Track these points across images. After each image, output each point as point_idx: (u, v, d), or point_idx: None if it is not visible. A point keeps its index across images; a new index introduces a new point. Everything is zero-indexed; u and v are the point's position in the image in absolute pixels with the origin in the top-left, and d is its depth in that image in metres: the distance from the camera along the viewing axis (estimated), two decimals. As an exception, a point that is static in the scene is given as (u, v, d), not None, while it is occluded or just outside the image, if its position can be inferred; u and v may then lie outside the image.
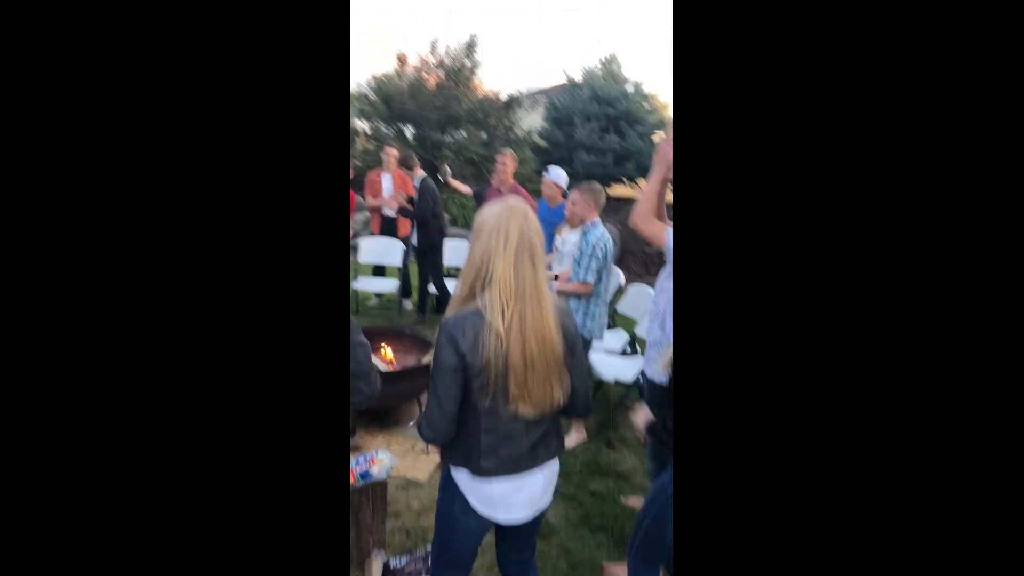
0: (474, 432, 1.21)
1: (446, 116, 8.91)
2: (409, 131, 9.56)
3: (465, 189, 4.75)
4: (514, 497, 1.26)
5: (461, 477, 1.26)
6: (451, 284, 4.41)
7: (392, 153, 4.59)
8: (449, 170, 4.65)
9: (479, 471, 1.22)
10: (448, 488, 1.30)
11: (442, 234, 4.36)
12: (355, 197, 4.12)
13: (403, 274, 4.69)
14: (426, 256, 4.34)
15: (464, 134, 9.38)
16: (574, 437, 2.91)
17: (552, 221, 3.23)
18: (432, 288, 4.43)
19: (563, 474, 2.58)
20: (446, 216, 5.24)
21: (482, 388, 1.17)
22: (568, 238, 2.76)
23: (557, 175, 3.62)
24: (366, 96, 9.74)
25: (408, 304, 4.85)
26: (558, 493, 2.45)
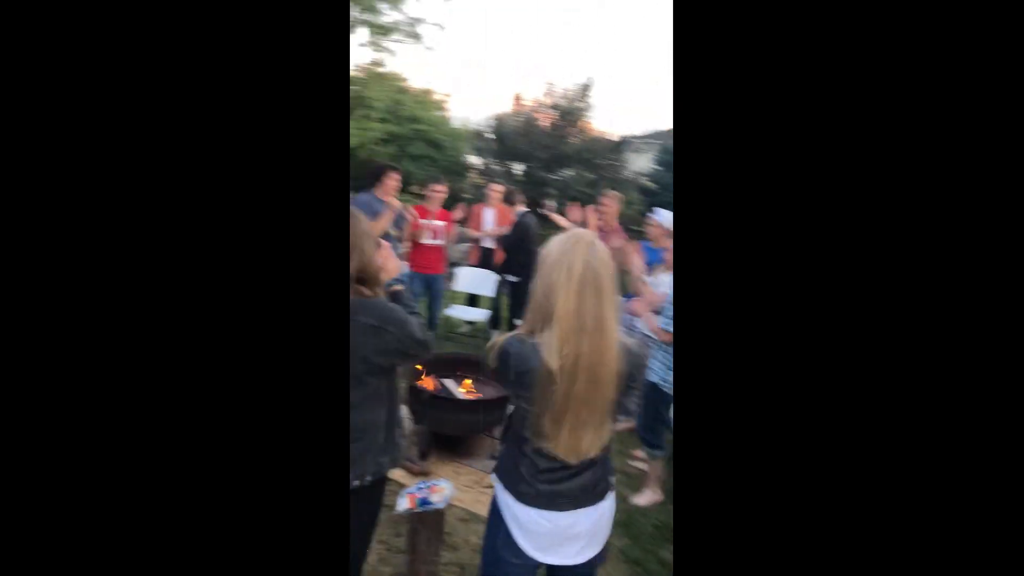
0: (518, 454, 1.19)
1: (555, 155, 9.10)
2: (519, 168, 9.89)
3: (564, 221, 4.78)
4: (554, 536, 1.20)
5: (505, 500, 1.24)
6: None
7: (496, 189, 4.76)
8: (552, 206, 4.72)
9: (519, 496, 1.19)
10: (495, 513, 1.28)
11: (530, 267, 4.40)
12: (454, 227, 4.31)
13: (494, 305, 4.77)
14: (516, 287, 4.39)
15: (571, 173, 9.52)
16: (648, 496, 2.73)
17: (653, 263, 3.16)
18: (518, 321, 4.46)
19: (632, 535, 2.41)
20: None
21: (522, 416, 1.14)
22: (663, 279, 2.69)
23: (663, 217, 3.54)
24: (481, 133, 10.26)
25: (496, 335, 4.91)
26: (624, 556, 2.29)
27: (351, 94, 10.44)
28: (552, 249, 1.16)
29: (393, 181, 3.64)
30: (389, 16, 10.19)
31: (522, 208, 4.44)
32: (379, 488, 1.40)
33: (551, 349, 1.09)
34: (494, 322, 4.83)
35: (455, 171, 10.41)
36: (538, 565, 1.25)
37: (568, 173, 9.51)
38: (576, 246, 1.13)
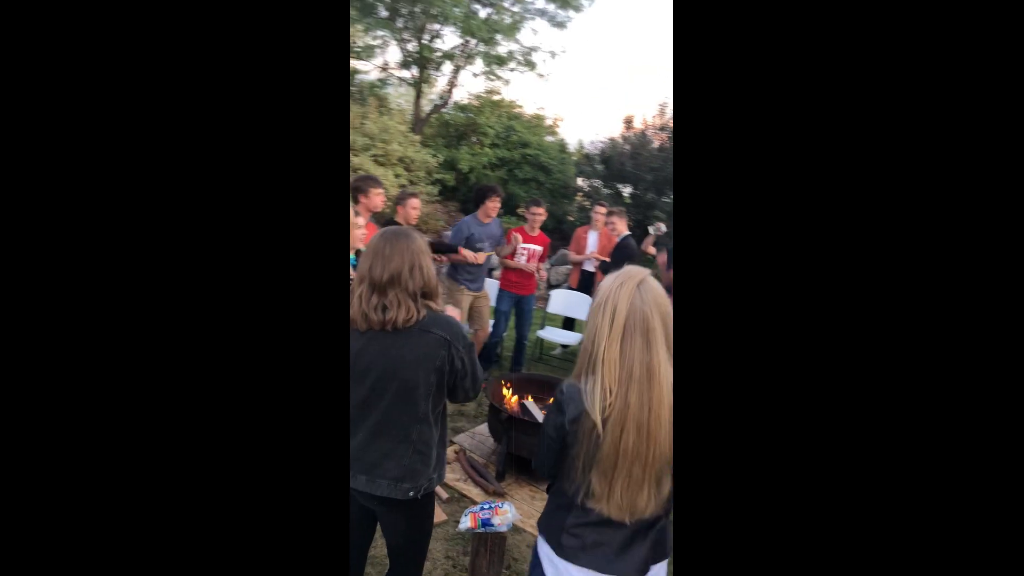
0: (564, 504, 1.12)
1: (663, 177, 8.84)
2: (627, 191, 9.74)
3: (655, 253, 4.61)
4: None
5: (544, 552, 1.17)
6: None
7: (601, 212, 4.71)
8: (663, 228, 4.56)
9: (559, 549, 1.11)
10: (535, 568, 1.21)
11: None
12: (547, 248, 4.32)
13: (590, 330, 4.70)
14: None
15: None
16: None
17: None
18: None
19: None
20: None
21: (570, 471, 1.08)
22: None
23: None
24: (588, 155, 10.26)
25: (590, 360, 4.82)
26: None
27: (463, 121, 11.00)
28: (600, 288, 1.09)
29: (494, 203, 3.74)
30: (504, 46, 10.64)
31: (625, 231, 4.35)
32: (430, 501, 1.44)
33: (594, 398, 1.03)
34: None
35: (562, 194, 10.49)
36: None
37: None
38: (623, 287, 1.05)
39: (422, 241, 1.36)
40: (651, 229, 4.54)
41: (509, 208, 8.80)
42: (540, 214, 4.15)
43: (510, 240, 3.90)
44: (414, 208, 3.41)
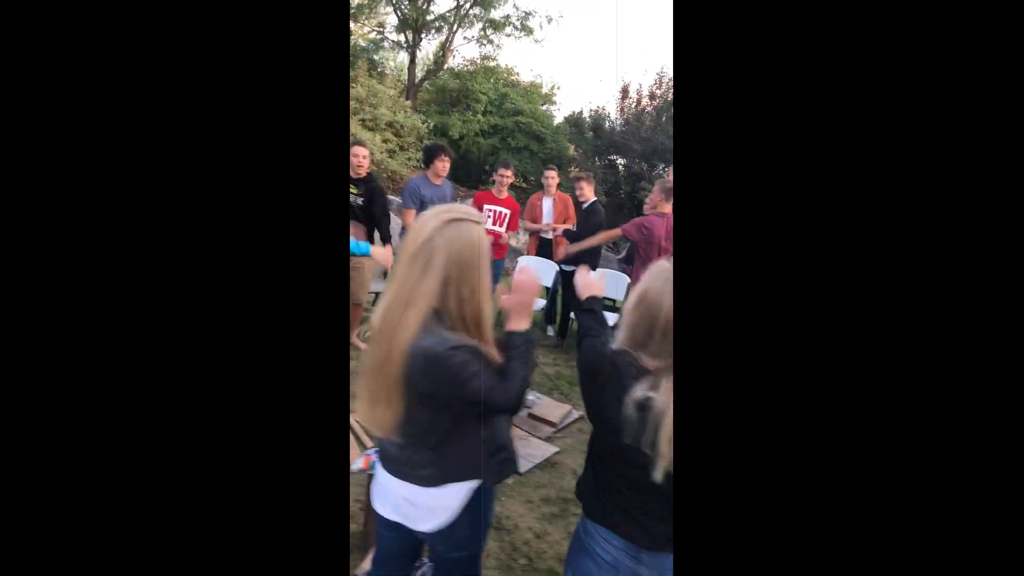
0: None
1: (651, 147, 8.69)
2: (621, 161, 9.59)
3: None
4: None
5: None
6: (610, 317, 4.24)
7: (552, 176, 4.60)
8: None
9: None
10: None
11: (595, 260, 4.22)
12: (518, 212, 4.25)
13: (551, 297, 4.68)
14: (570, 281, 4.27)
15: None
16: None
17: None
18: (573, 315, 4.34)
19: None
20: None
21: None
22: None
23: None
24: (580, 123, 10.09)
25: (550, 330, 4.82)
26: None
27: (457, 87, 10.82)
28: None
29: (443, 163, 3.69)
30: (500, 10, 10.40)
31: (592, 197, 4.23)
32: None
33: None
34: (550, 316, 4.75)
35: (556, 163, 10.36)
36: None
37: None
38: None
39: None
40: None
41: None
42: (508, 176, 4.07)
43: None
44: (355, 157, 3.34)
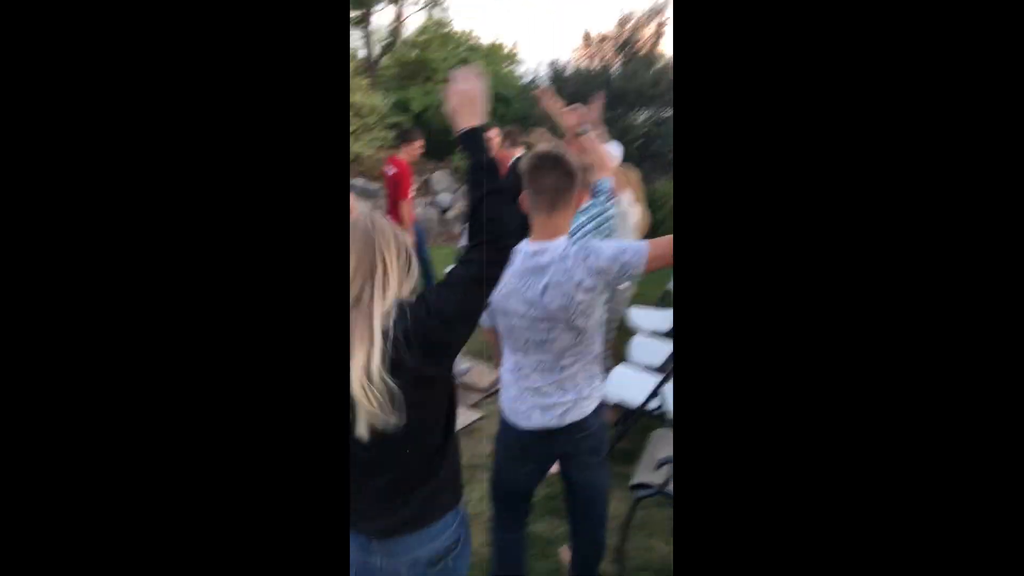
0: None
1: (614, 94, 8.41)
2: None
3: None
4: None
5: None
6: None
7: (493, 138, 4.47)
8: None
9: None
10: None
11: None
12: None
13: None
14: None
15: (645, 114, 8.76)
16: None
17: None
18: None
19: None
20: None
21: None
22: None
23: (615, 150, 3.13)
24: (540, 76, 9.79)
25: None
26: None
27: (413, 58, 10.52)
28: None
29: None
30: (447, -30, 10.00)
31: (519, 151, 4.03)
32: None
33: None
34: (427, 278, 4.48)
35: (525, 124, 10.12)
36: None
37: (642, 115, 8.77)
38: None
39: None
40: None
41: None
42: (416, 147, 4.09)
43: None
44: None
